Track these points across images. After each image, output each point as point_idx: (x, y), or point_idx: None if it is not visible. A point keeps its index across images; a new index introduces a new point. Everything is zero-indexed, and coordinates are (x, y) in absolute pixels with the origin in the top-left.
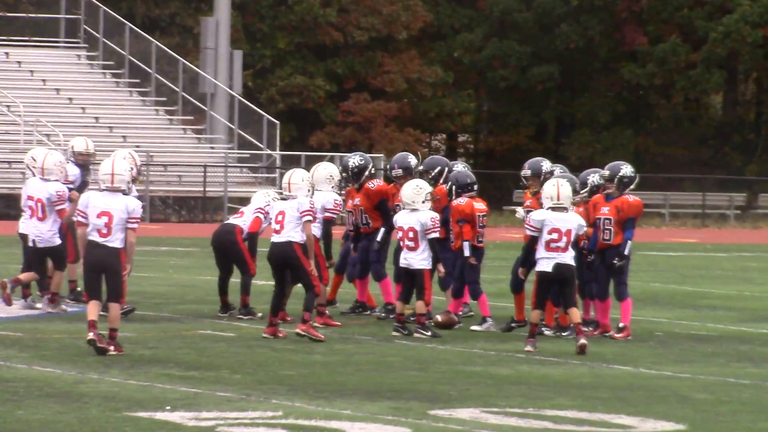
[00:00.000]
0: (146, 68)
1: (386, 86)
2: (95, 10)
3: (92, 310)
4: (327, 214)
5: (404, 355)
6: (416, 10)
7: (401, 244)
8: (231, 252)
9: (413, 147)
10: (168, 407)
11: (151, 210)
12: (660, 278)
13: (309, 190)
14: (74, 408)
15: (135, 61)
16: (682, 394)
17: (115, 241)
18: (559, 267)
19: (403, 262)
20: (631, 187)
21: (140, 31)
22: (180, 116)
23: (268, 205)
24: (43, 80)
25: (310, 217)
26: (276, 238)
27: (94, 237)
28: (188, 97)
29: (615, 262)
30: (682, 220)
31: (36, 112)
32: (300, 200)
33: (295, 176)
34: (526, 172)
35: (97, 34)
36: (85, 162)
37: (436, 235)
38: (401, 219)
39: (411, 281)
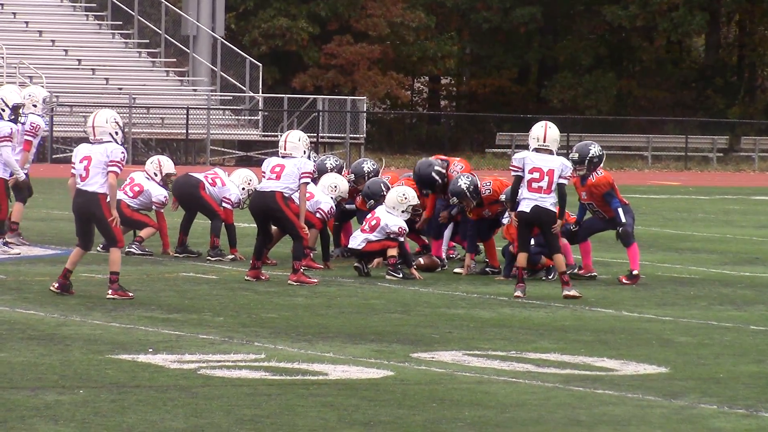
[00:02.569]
0: (129, 10)
1: (369, 29)
2: None
3: (72, 257)
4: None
5: (387, 298)
6: None
7: (361, 228)
8: (197, 205)
9: (396, 90)
10: (150, 350)
11: (134, 152)
12: (642, 221)
13: (305, 152)
14: (57, 350)
15: (117, 2)
16: (664, 337)
17: (94, 185)
18: (537, 209)
19: (357, 241)
20: (600, 165)
21: None
22: (162, 59)
23: (239, 202)
24: (26, 22)
25: (308, 180)
26: (261, 187)
27: (78, 184)
28: (171, 39)
29: (618, 230)
30: (665, 162)
31: (19, 55)
32: (302, 161)
33: (292, 136)
34: None
35: None
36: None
37: (401, 239)
38: (378, 211)
39: None
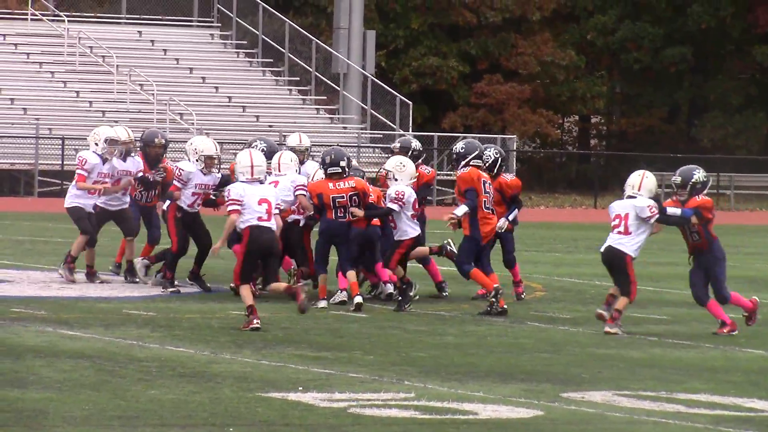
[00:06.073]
0: (279, 48)
1: (519, 68)
2: None
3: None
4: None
5: (536, 337)
6: None
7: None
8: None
9: (546, 128)
10: (300, 388)
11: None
12: None
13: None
14: (207, 388)
15: (268, 40)
16: None
17: None
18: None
19: None
20: (704, 192)
21: (273, 10)
22: (313, 96)
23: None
24: (176, 59)
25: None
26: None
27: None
28: (321, 77)
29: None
30: None
31: (169, 91)
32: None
33: (401, 162)
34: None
35: (230, 14)
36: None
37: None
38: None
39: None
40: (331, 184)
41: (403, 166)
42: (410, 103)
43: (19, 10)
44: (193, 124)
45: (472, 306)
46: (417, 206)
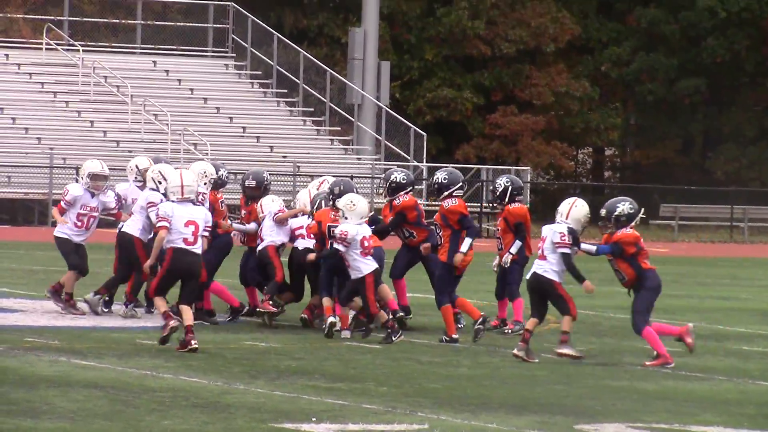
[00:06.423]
0: (294, 78)
1: (534, 99)
2: (243, 20)
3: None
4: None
5: (550, 369)
6: (564, 23)
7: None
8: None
9: (560, 160)
10: (314, 419)
11: None
12: None
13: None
14: (220, 418)
15: (283, 71)
16: None
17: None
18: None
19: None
20: (631, 224)
21: (288, 41)
22: (327, 127)
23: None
24: (191, 89)
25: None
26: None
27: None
28: (335, 107)
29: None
30: None
31: (183, 121)
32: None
33: (346, 201)
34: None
35: (245, 44)
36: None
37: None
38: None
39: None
40: (332, 213)
41: (353, 204)
42: (424, 134)
43: (34, 39)
44: (207, 154)
45: (486, 337)
46: (365, 244)
